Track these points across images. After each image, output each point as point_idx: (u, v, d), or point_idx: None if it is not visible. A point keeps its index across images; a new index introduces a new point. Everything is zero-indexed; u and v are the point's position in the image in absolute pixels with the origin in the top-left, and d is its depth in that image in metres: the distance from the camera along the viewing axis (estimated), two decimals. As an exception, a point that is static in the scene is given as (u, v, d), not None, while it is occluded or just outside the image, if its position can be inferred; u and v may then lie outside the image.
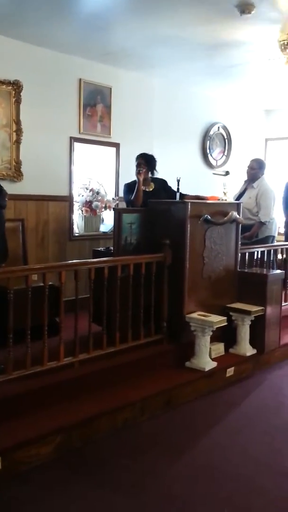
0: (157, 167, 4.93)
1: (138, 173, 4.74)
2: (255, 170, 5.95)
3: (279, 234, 7.90)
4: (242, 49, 5.11)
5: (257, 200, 5.79)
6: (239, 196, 5.95)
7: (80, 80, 5.65)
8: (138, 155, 4.93)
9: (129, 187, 4.87)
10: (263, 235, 5.90)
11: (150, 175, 4.88)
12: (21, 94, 5.06)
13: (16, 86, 5.03)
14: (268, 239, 5.92)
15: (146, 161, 4.84)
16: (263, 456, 3.13)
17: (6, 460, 2.78)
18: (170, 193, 4.73)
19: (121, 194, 5.48)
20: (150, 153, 5.03)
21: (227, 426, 3.53)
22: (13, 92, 5.02)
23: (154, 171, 4.91)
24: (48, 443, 2.99)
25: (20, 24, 4.59)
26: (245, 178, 6.09)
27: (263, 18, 4.26)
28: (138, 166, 4.80)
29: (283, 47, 4.62)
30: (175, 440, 3.31)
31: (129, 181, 4.96)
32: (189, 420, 3.63)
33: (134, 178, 4.84)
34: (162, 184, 4.92)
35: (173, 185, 4.70)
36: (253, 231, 5.79)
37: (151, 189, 4.80)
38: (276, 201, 6.01)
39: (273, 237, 6.07)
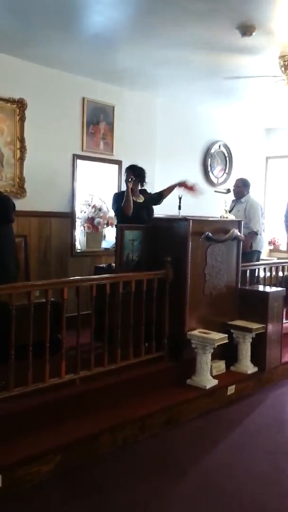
0: (147, 179, 5.03)
1: (127, 181, 4.77)
2: (240, 187, 6.20)
3: (281, 251, 7.93)
4: (244, 69, 5.18)
5: (246, 213, 5.99)
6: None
7: (83, 98, 5.72)
8: (127, 167, 5.03)
9: (118, 196, 4.93)
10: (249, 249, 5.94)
11: (140, 186, 4.96)
12: (26, 112, 5.14)
13: (21, 104, 5.10)
14: (253, 253, 5.98)
15: (134, 173, 4.89)
16: (265, 475, 3.11)
17: (6, 478, 2.76)
18: (154, 199, 5.04)
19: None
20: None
21: (229, 445, 3.51)
22: (18, 110, 5.09)
23: (144, 183, 5.00)
24: (48, 461, 2.97)
25: (25, 44, 4.67)
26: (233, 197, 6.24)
27: (263, 40, 4.33)
28: (127, 176, 4.87)
29: (283, 68, 4.69)
30: (176, 459, 3.29)
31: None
32: (190, 438, 3.61)
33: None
34: (148, 194, 5.07)
35: (174, 202, 4.76)
36: (247, 241, 5.69)
37: (140, 201, 4.89)
38: (264, 215, 6.23)
39: (259, 252, 6.16)
